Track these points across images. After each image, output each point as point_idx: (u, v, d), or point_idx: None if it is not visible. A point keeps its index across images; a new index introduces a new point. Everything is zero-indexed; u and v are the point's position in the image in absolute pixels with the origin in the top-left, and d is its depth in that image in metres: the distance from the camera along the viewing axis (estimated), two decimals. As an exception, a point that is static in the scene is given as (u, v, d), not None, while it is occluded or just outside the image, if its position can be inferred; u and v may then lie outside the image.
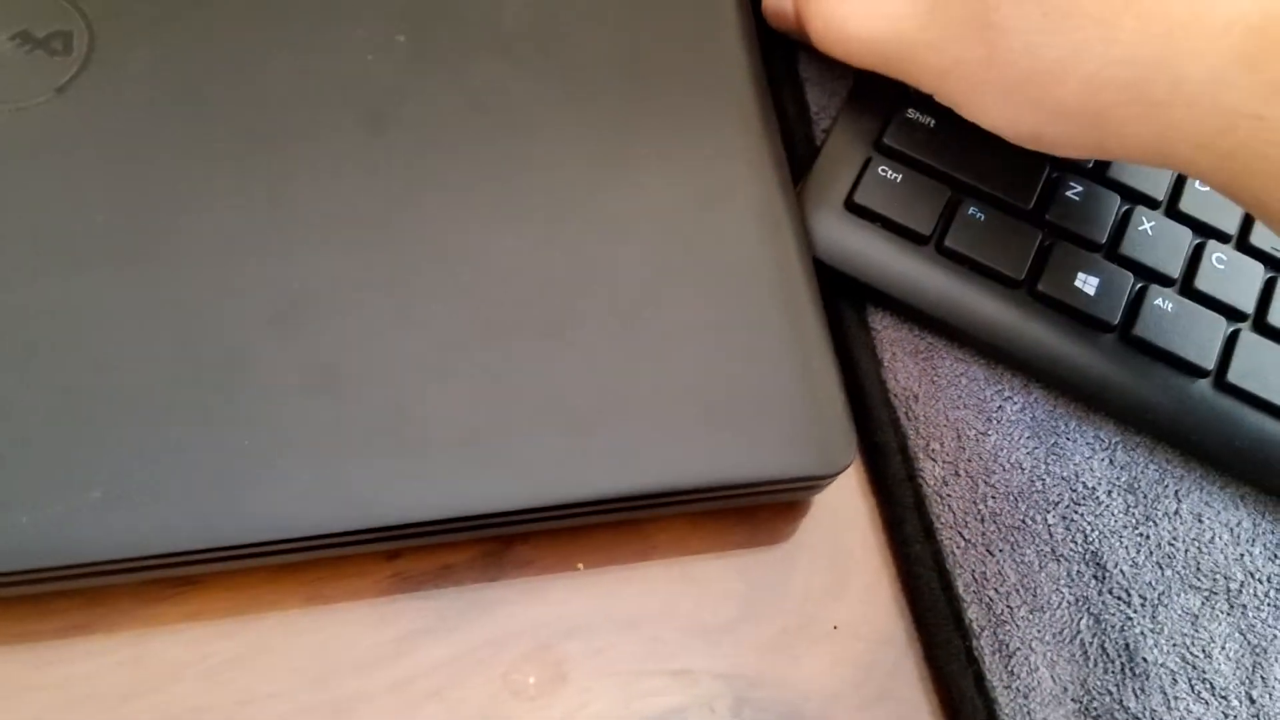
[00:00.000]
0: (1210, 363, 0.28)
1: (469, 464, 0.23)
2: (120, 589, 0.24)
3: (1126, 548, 0.27)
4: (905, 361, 0.28)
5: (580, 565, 0.26)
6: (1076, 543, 0.27)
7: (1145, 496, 0.28)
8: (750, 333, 0.25)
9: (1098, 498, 0.27)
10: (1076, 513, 0.27)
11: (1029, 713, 0.25)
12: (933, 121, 0.29)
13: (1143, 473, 0.28)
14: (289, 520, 0.22)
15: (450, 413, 0.23)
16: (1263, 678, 0.26)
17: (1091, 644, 0.26)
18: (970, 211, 0.28)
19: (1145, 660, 0.26)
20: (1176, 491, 0.28)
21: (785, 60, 0.31)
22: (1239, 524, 0.28)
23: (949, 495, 0.27)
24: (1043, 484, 0.27)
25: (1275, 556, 0.28)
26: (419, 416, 0.23)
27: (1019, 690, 0.25)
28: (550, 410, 0.24)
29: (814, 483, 0.25)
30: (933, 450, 0.27)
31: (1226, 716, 0.26)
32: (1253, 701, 0.26)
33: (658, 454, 0.24)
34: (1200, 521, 0.28)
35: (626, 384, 0.24)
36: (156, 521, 0.22)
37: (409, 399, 0.23)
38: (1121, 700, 0.26)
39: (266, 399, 0.23)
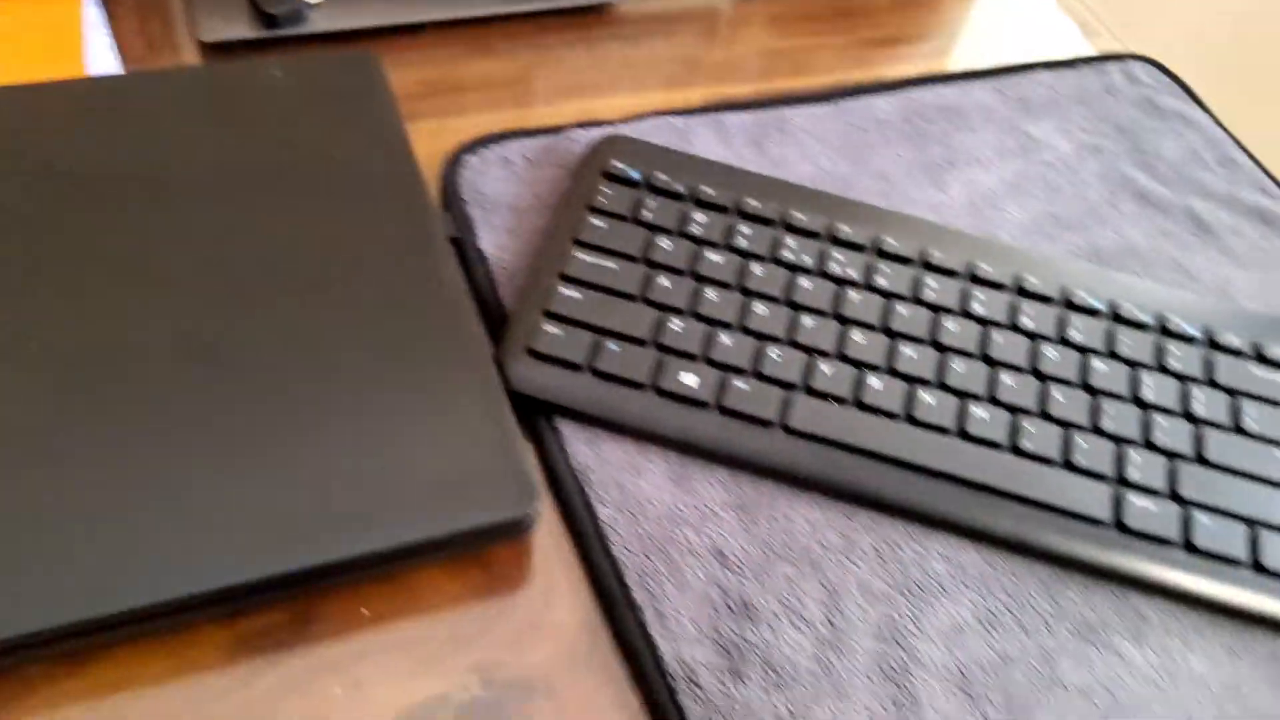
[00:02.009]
0: (774, 417, 0.42)
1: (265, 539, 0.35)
2: None
3: (740, 542, 0.41)
4: (581, 447, 0.42)
5: (365, 611, 0.38)
6: (704, 543, 0.40)
7: (750, 510, 0.41)
8: (460, 433, 0.39)
9: (717, 514, 0.41)
10: (704, 526, 0.41)
11: (680, 651, 0.37)
12: (581, 295, 0.45)
13: (748, 495, 0.42)
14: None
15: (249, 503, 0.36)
16: (839, 610, 0.39)
17: (720, 604, 0.39)
18: (609, 346, 0.43)
19: (757, 608, 0.39)
20: (771, 503, 0.42)
21: (476, 249, 0.47)
22: (816, 520, 0.42)
23: (617, 524, 0.40)
24: (679, 510, 0.41)
25: (841, 534, 0.41)
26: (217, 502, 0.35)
27: (673, 636, 0.38)
28: (313, 496, 0.36)
29: (515, 524, 0.38)
30: (604, 499, 0.41)
31: (815, 637, 0.39)
32: (833, 626, 0.39)
33: (395, 520, 0.37)
34: (789, 519, 0.41)
35: (374, 472, 0.37)
36: None
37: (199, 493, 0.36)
38: (743, 635, 0.38)
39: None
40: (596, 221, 0.47)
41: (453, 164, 0.51)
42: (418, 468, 0.38)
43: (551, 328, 0.43)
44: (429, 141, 0.53)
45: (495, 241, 0.48)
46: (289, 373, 0.39)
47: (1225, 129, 0.61)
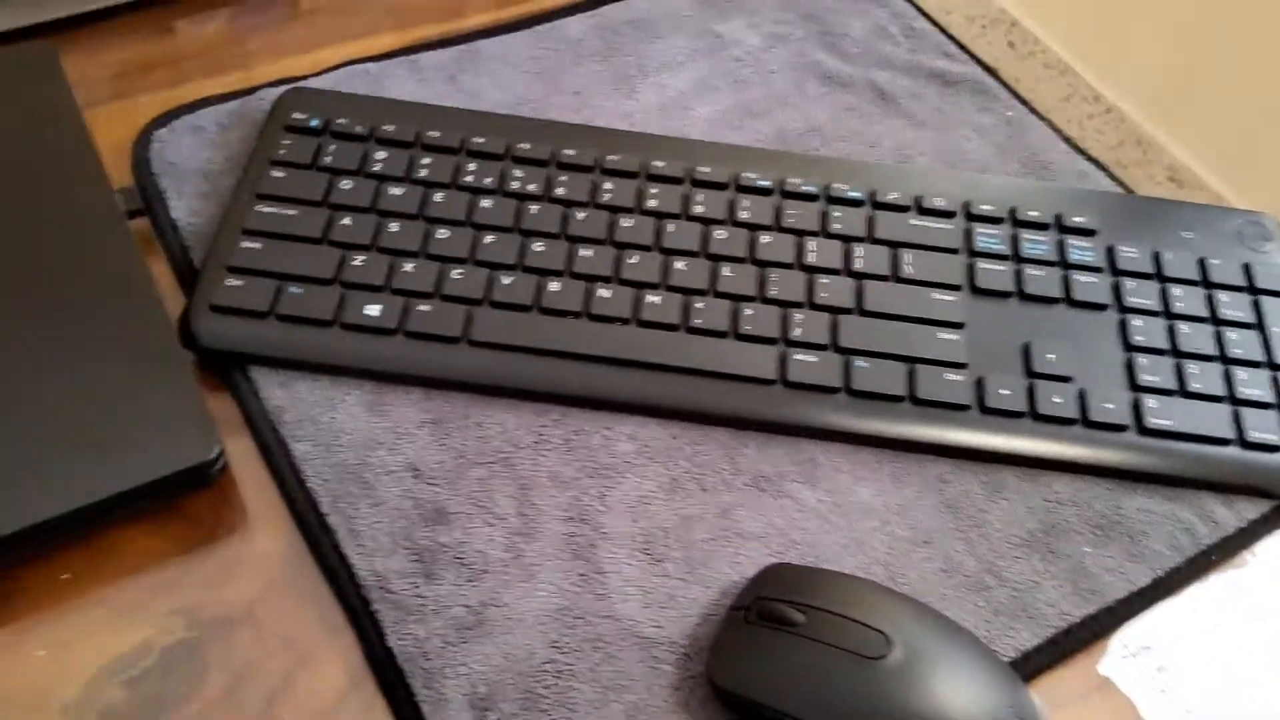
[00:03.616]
0: (458, 332, 0.44)
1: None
2: None
3: (434, 455, 0.43)
4: (275, 390, 0.44)
5: (67, 575, 0.39)
6: (399, 461, 0.42)
7: (444, 423, 0.44)
8: (138, 393, 0.40)
9: (412, 432, 0.43)
10: (398, 444, 0.43)
11: (374, 564, 0.40)
12: (262, 245, 0.46)
13: (442, 410, 0.44)
14: None
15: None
16: (530, 501, 0.42)
17: (413, 513, 0.41)
18: (291, 289, 0.45)
19: (451, 512, 0.41)
20: (466, 414, 0.44)
21: (168, 219, 0.48)
22: (508, 422, 0.44)
23: (311, 458, 0.42)
24: (374, 435, 0.43)
25: (532, 431, 0.44)
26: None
27: (366, 552, 0.40)
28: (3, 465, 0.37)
29: (202, 470, 0.39)
30: (297, 435, 0.43)
31: (506, 529, 0.41)
32: (524, 516, 0.41)
33: (82, 481, 0.38)
34: (481, 427, 0.44)
35: (57, 440, 0.38)
36: None
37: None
38: (436, 539, 0.40)
39: None
40: (277, 173, 0.48)
41: (142, 140, 0.51)
42: (100, 431, 0.39)
43: (232, 280, 0.45)
44: (129, 120, 0.53)
45: (188, 208, 0.49)
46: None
47: (912, 1, 0.63)
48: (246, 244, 0.46)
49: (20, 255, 0.43)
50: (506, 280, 0.46)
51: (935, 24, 0.62)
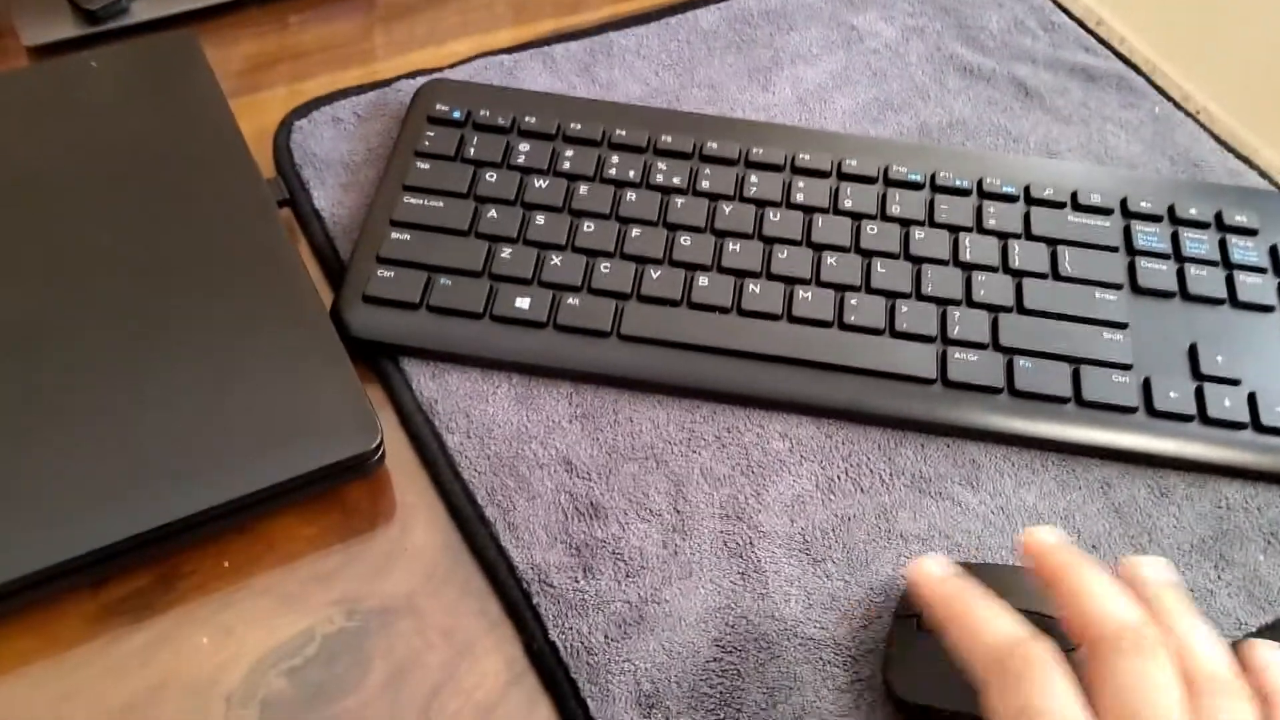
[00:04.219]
0: (608, 327, 0.44)
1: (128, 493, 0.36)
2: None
3: (586, 449, 0.42)
4: (427, 382, 0.43)
5: (227, 563, 0.39)
6: (551, 455, 0.42)
7: (594, 418, 0.43)
8: (297, 383, 0.40)
9: (562, 426, 0.43)
10: (549, 438, 0.42)
11: (533, 557, 0.39)
12: (410, 237, 0.46)
13: (591, 404, 0.43)
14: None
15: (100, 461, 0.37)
16: (684, 497, 0.41)
17: (569, 508, 0.40)
18: (442, 281, 0.45)
19: (605, 508, 0.41)
20: (615, 409, 0.43)
21: (312, 209, 0.48)
22: (659, 418, 0.43)
23: (465, 449, 0.42)
24: (525, 427, 0.42)
25: (683, 427, 0.43)
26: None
27: (524, 545, 0.39)
28: (161, 458, 0.38)
29: (360, 460, 0.39)
30: (451, 427, 0.42)
31: (661, 525, 0.40)
32: (679, 513, 0.41)
33: (243, 471, 0.38)
34: (631, 422, 0.43)
35: (219, 429, 0.38)
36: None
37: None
38: (593, 534, 0.40)
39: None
40: (422, 164, 0.48)
41: (283, 130, 0.52)
42: (260, 421, 0.39)
43: (384, 271, 0.45)
44: (265, 111, 0.54)
45: (330, 198, 0.49)
46: (130, 347, 0.40)
47: (1048, -6, 0.62)
48: (396, 235, 0.46)
49: (179, 242, 0.43)
50: (655, 274, 0.45)
51: (1073, 17, 0.61)
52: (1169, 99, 0.57)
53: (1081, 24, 0.60)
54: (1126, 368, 0.43)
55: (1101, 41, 0.59)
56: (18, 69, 0.53)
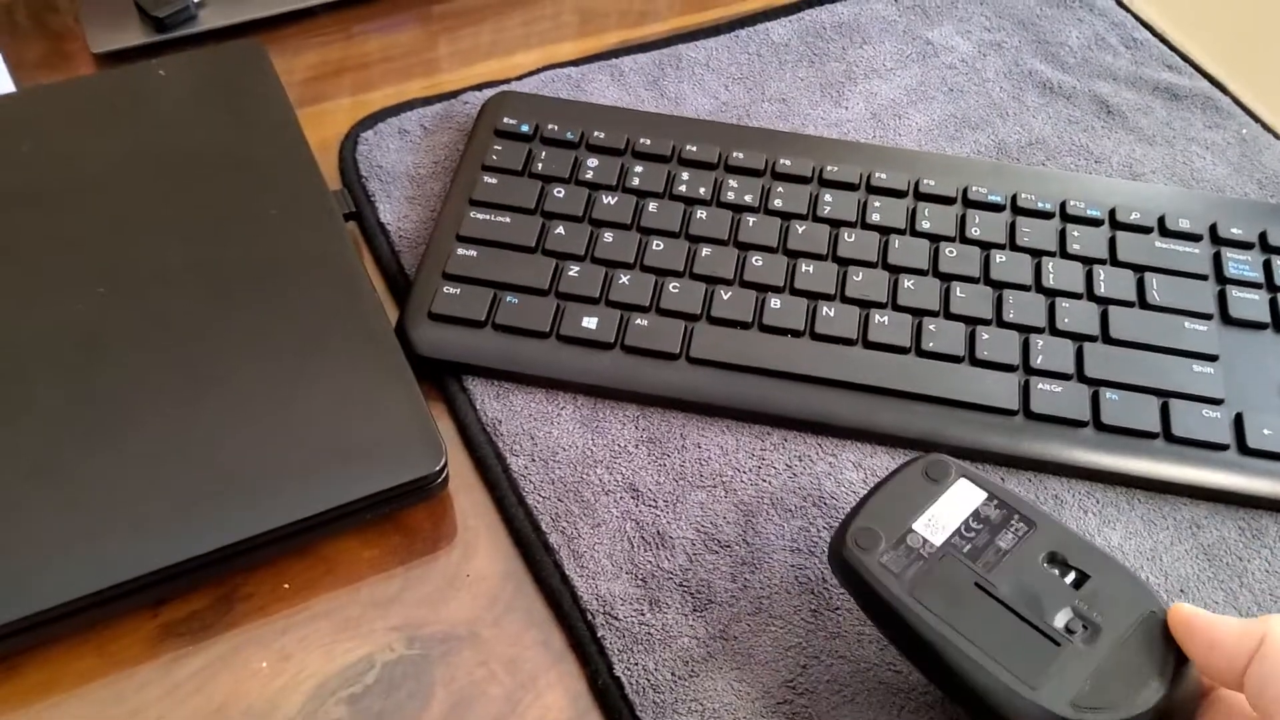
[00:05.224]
0: (677, 349, 0.43)
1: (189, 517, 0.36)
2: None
3: (653, 475, 0.41)
4: (491, 402, 0.43)
5: (287, 585, 0.39)
6: (617, 480, 0.41)
7: (661, 442, 0.42)
8: (362, 402, 0.39)
9: (629, 450, 0.42)
10: (615, 463, 0.41)
11: (598, 588, 0.38)
12: (477, 253, 0.45)
13: (658, 428, 0.42)
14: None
15: (166, 481, 0.36)
16: (754, 529, 0.40)
17: (635, 537, 0.39)
18: (508, 299, 0.44)
19: (672, 538, 0.39)
20: (682, 433, 0.42)
21: (377, 222, 0.47)
22: (728, 444, 0.42)
23: (530, 473, 0.41)
24: (590, 452, 0.41)
25: (753, 455, 0.42)
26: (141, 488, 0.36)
27: (589, 574, 0.38)
28: (222, 478, 0.37)
29: (424, 483, 0.38)
30: (516, 449, 0.41)
31: (731, 558, 0.39)
32: (749, 545, 0.40)
33: (306, 492, 0.37)
34: (701, 448, 0.42)
35: (282, 449, 0.38)
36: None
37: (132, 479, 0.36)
38: (659, 564, 0.39)
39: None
40: (490, 179, 0.47)
41: (349, 141, 0.51)
42: (323, 440, 0.38)
43: (450, 288, 0.44)
44: (329, 122, 0.53)
45: (396, 212, 0.48)
46: (192, 361, 0.40)
47: (1128, 9, 0.60)
48: (462, 251, 0.45)
49: (244, 254, 0.43)
50: (725, 295, 0.44)
51: (1156, 34, 0.59)
52: (1256, 119, 0.55)
53: (1165, 40, 0.58)
54: (1218, 402, 0.42)
55: (1185, 59, 0.57)
56: (86, 76, 0.52)
